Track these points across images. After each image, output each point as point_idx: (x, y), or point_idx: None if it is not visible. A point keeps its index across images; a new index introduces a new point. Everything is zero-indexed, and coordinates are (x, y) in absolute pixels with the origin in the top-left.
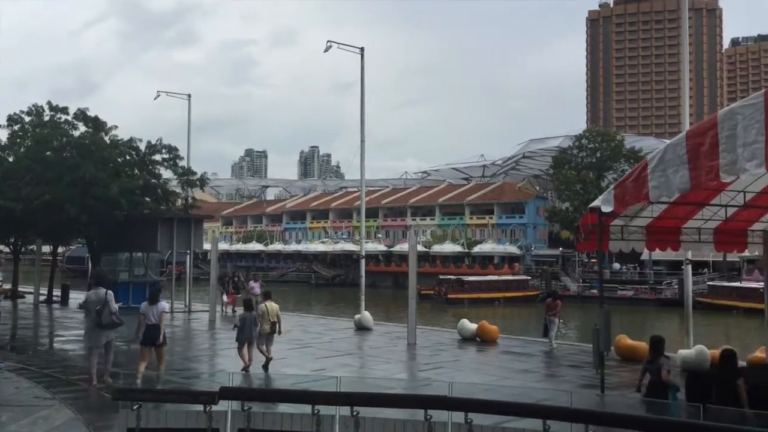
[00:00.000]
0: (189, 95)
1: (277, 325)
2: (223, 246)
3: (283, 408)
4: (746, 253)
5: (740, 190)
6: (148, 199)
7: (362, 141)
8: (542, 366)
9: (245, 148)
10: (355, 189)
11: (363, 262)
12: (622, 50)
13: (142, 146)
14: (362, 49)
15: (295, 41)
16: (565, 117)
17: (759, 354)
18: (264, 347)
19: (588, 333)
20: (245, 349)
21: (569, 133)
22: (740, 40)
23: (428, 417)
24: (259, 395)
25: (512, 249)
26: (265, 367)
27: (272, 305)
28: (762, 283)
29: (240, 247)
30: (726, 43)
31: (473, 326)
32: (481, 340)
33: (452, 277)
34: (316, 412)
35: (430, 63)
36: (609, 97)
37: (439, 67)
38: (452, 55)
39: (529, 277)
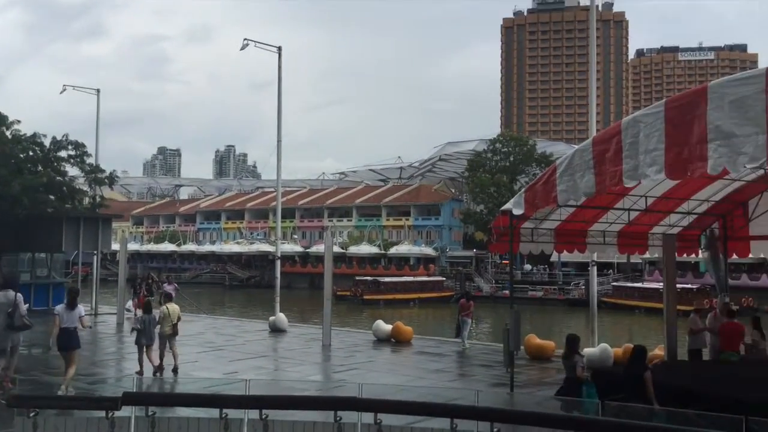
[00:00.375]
0: (98, 90)
1: (176, 327)
2: (134, 246)
3: (191, 412)
4: (647, 255)
5: (642, 195)
6: (52, 197)
7: (279, 141)
8: (455, 366)
9: (158, 146)
10: (272, 189)
11: (278, 263)
12: (535, 58)
13: (47, 142)
14: (280, 48)
15: (210, 38)
16: (482, 121)
17: (658, 352)
18: (166, 350)
19: (499, 333)
20: (146, 353)
21: (484, 137)
22: (645, 51)
23: (338, 418)
24: (163, 400)
25: (428, 250)
26: (158, 366)
27: (173, 307)
28: (662, 284)
29: (151, 247)
30: (632, 54)
31: (388, 327)
32: (395, 341)
33: (368, 278)
34: (224, 416)
35: (350, 64)
36: (522, 103)
37: (360, 68)
38: (373, 56)
39: (444, 278)
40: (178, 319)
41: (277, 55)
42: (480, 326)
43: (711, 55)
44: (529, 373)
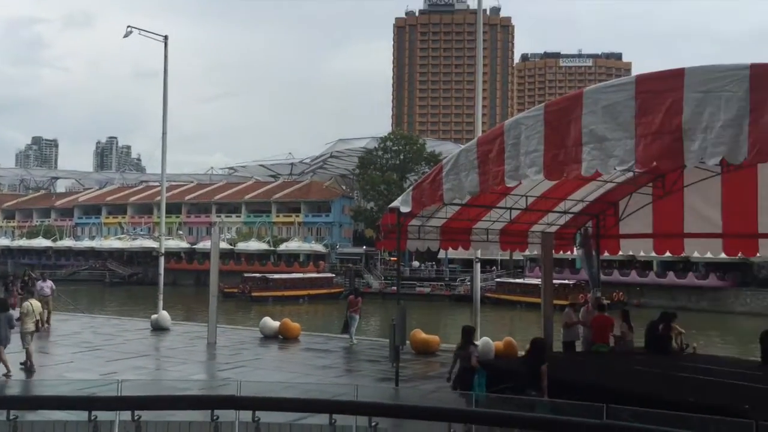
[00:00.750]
0: None
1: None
2: (3, 242)
3: (63, 415)
4: (528, 252)
5: (523, 195)
6: None
7: (164, 133)
8: (342, 362)
9: (33, 136)
10: (157, 183)
11: (162, 259)
12: (426, 58)
13: None
14: (166, 38)
15: (91, 24)
16: (373, 119)
17: None
18: (31, 347)
19: (387, 328)
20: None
21: (376, 135)
22: (529, 55)
23: (215, 417)
24: (27, 403)
25: (318, 247)
26: (27, 366)
27: (36, 303)
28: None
29: (23, 242)
30: (517, 58)
31: (275, 324)
32: (283, 338)
33: (257, 274)
34: (93, 418)
35: (241, 57)
36: (413, 102)
37: (251, 62)
38: (265, 50)
39: (334, 275)
40: (41, 315)
41: (164, 44)
42: (368, 322)
43: (589, 62)
44: (415, 368)
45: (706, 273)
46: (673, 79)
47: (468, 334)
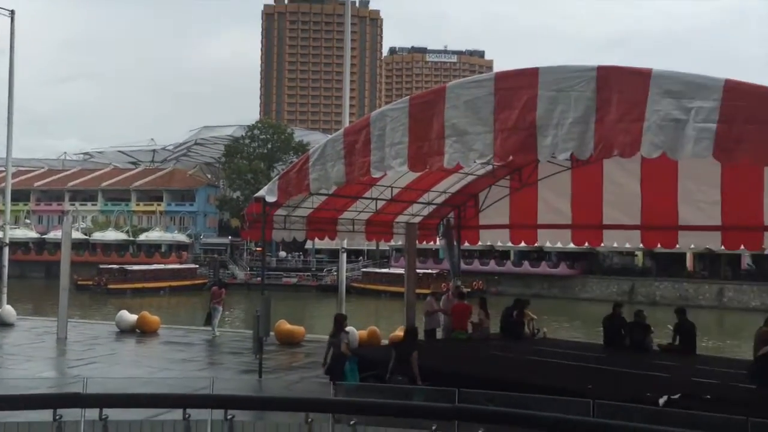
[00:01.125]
0: None
1: None
2: None
3: None
4: (393, 243)
5: (388, 186)
6: None
7: (10, 114)
8: (204, 355)
9: None
10: (1, 168)
11: (7, 250)
12: (295, 47)
13: None
14: (12, 12)
15: None
16: (241, 106)
17: (399, 332)
18: None
19: (251, 319)
20: None
21: (243, 123)
22: (397, 49)
23: (58, 417)
24: None
25: (181, 237)
26: None
27: None
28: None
29: None
30: (386, 51)
31: (133, 317)
32: (141, 332)
33: (114, 266)
34: None
35: (100, 37)
36: (282, 91)
37: (111, 42)
38: (124, 31)
39: (198, 266)
40: None
41: (10, 18)
42: (233, 314)
43: (454, 59)
44: (279, 359)
45: (557, 262)
46: (528, 77)
47: (339, 322)
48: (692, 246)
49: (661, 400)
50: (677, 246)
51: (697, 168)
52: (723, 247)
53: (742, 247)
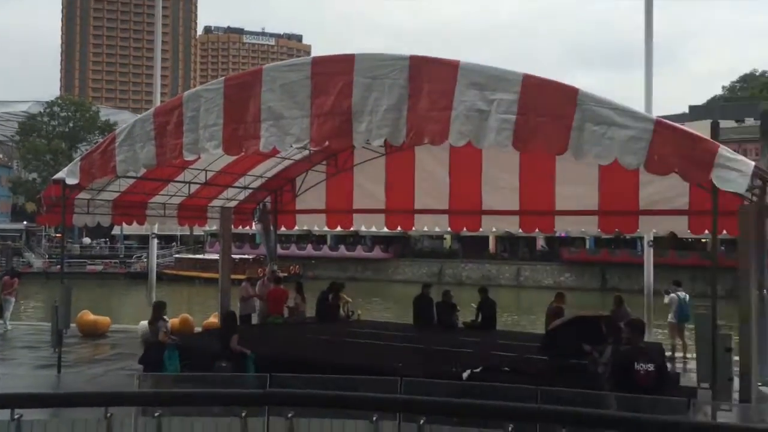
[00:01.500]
0: None
1: None
2: None
3: None
4: (208, 227)
5: (202, 169)
6: None
7: None
8: None
9: None
10: None
11: None
12: (100, 19)
13: None
14: None
15: None
16: (38, 81)
17: (213, 319)
18: None
19: (50, 311)
20: None
21: (40, 99)
22: (213, 28)
23: None
24: None
25: None
26: None
27: None
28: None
29: None
30: (200, 30)
31: None
32: None
33: None
34: None
35: None
36: (86, 67)
37: None
38: None
39: None
40: None
41: None
42: (29, 305)
43: (272, 41)
44: (81, 351)
45: (372, 246)
46: (345, 64)
47: (158, 309)
48: (494, 229)
49: (465, 374)
50: (481, 229)
51: (499, 156)
52: (521, 230)
53: (537, 230)
